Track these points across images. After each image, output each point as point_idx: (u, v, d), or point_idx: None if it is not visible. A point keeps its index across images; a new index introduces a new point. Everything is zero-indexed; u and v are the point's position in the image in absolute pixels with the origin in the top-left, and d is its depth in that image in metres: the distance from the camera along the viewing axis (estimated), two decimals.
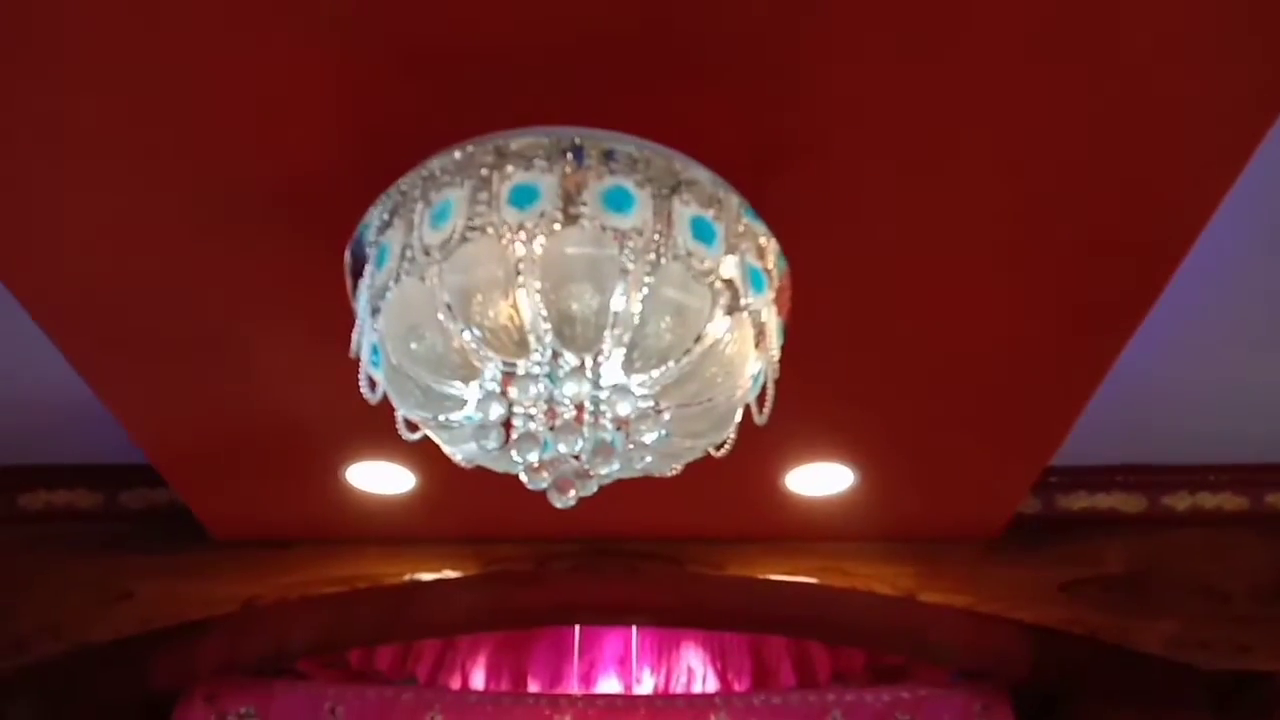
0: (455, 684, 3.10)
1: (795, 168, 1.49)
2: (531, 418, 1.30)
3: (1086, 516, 2.64)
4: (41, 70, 1.37)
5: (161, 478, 2.37)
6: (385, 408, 1.38)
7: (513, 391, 1.28)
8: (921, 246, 1.65)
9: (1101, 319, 1.81)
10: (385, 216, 1.33)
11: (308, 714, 2.95)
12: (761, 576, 2.59)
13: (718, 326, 1.29)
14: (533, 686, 3.13)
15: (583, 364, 1.28)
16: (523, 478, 1.28)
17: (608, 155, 1.25)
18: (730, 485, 2.24)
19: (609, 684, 3.14)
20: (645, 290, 1.22)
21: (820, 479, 2.34)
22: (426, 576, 2.59)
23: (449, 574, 2.59)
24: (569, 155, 1.25)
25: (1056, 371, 1.95)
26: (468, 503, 2.38)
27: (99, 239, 1.65)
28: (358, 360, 1.38)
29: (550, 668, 3.17)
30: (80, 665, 2.54)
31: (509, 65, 1.36)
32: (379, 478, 2.34)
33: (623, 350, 1.25)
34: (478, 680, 3.13)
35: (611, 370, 1.30)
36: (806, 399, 1.94)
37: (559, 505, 1.29)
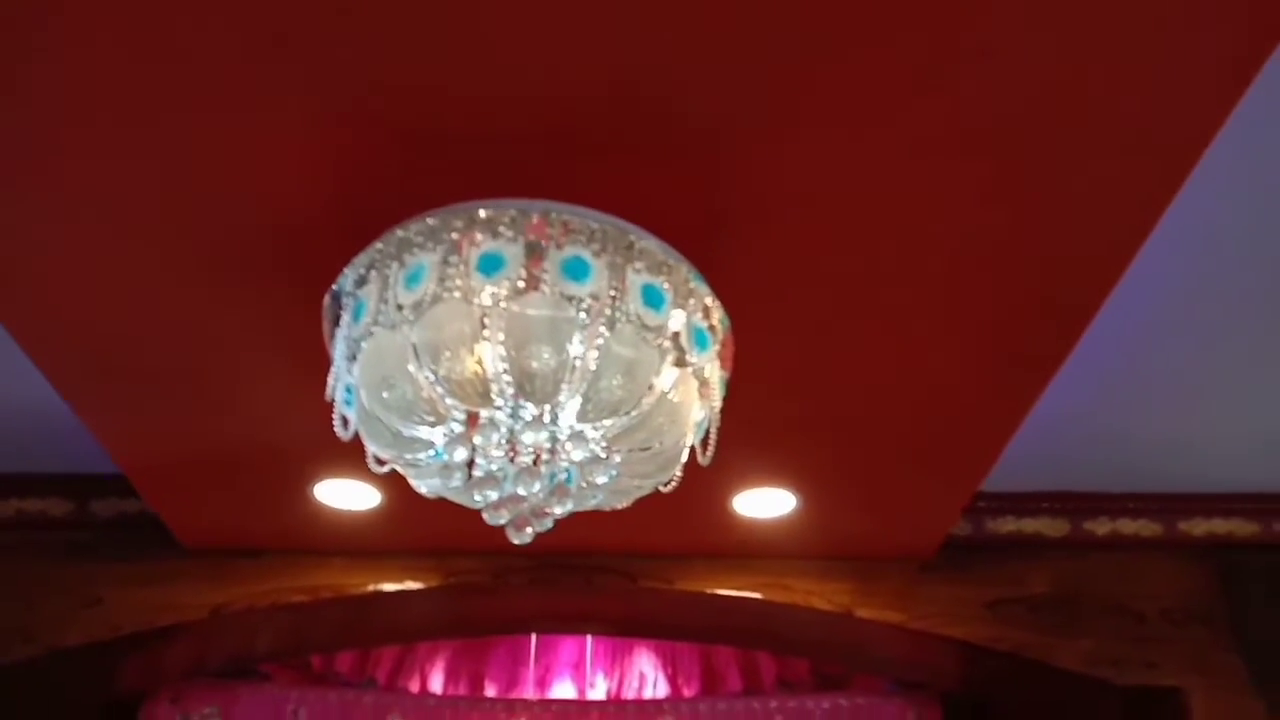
0: (414, 687, 3.16)
1: (740, 236, 1.60)
2: (493, 459, 1.42)
3: (1013, 539, 2.78)
4: (39, 119, 1.43)
5: (132, 487, 2.42)
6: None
7: (476, 438, 1.39)
8: (857, 305, 1.77)
9: (1024, 364, 1.93)
10: (362, 271, 1.44)
11: (270, 715, 3.02)
12: (709, 591, 2.70)
13: (665, 380, 1.40)
14: (489, 691, 3.19)
15: (541, 414, 1.40)
16: (484, 515, 1.39)
17: (568, 226, 1.37)
18: (682, 507, 2.27)
19: (564, 689, 3.21)
20: (600, 342, 1.34)
21: (765, 502, 2.46)
22: (389, 587, 2.68)
23: (411, 585, 2.68)
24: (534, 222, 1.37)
25: (984, 407, 2.07)
26: (430, 519, 2.42)
27: (88, 277, 1.71)
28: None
29: (507, 672, 3.24)
30: (50, 669, 2.59)
31: (484, 140, 1.46)
32: (346, 495, 2.42)
33: (578, 400, 1.37)
34: (436, 684, 3.19)
35: (568, 415, 1.42)
36: (754, 431, 2.06)
37: (516, 541, 1.39)
